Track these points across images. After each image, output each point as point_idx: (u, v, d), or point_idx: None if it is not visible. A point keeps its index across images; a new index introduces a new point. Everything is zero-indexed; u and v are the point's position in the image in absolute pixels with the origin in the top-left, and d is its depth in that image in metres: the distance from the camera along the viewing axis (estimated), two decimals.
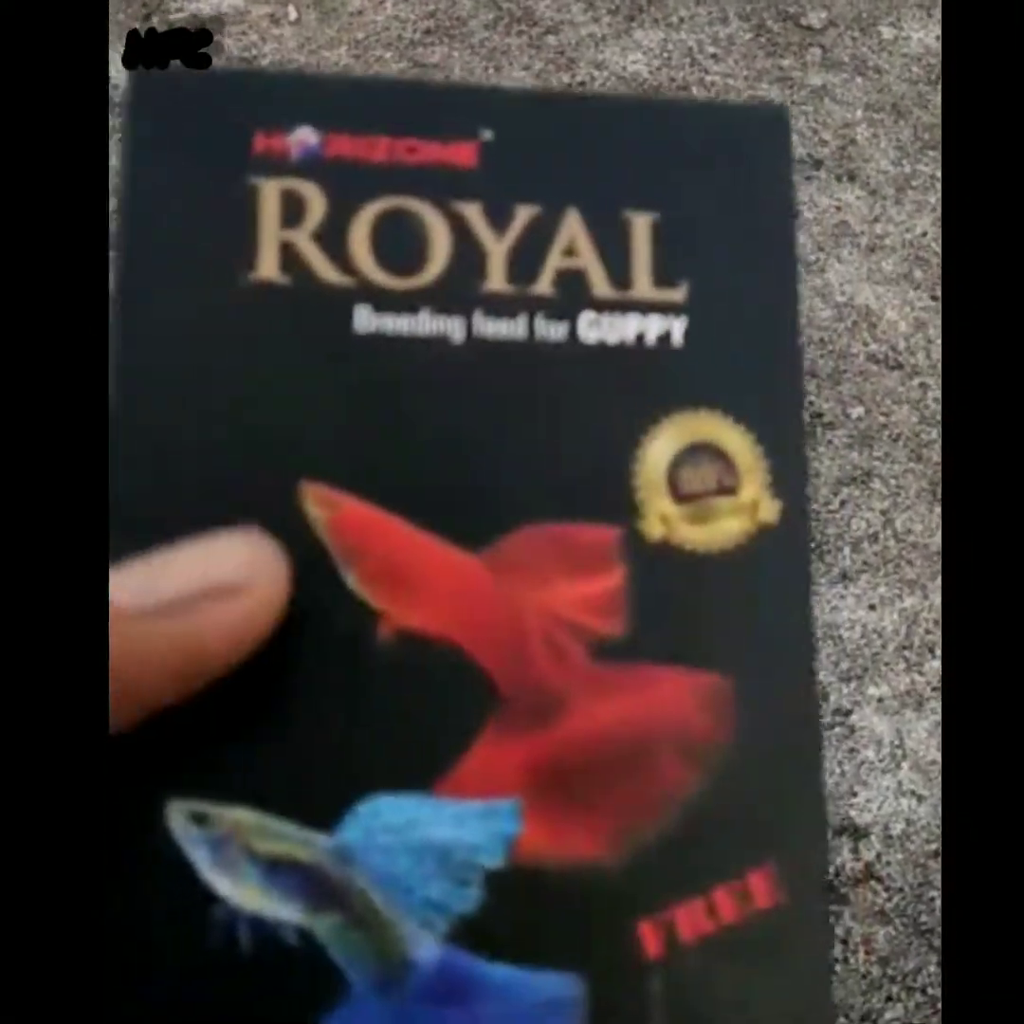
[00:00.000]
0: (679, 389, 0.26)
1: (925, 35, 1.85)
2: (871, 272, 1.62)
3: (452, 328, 0.26)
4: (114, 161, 0.25)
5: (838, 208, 1.71)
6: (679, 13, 1.90)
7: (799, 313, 0.27)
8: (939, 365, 1.49)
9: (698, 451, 0.26)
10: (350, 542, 0.25)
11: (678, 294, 0.26)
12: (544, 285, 0.26)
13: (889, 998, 1.17)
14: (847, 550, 1.39)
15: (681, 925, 0.25)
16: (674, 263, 0.27)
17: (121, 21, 1.89)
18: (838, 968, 1.15)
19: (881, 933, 1.20)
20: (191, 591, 0.24)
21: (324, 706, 0.24)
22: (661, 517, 0.26)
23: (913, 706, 1.31)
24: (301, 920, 0.24)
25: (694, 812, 0.25)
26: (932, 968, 1.18)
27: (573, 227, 0.26)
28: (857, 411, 1.50)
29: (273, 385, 0.25)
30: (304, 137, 0.26)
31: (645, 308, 0.26)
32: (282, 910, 0.24)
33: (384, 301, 0.26)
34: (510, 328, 0.26)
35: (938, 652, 1.33)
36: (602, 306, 0.26)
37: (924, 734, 1.29)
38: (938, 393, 1.50)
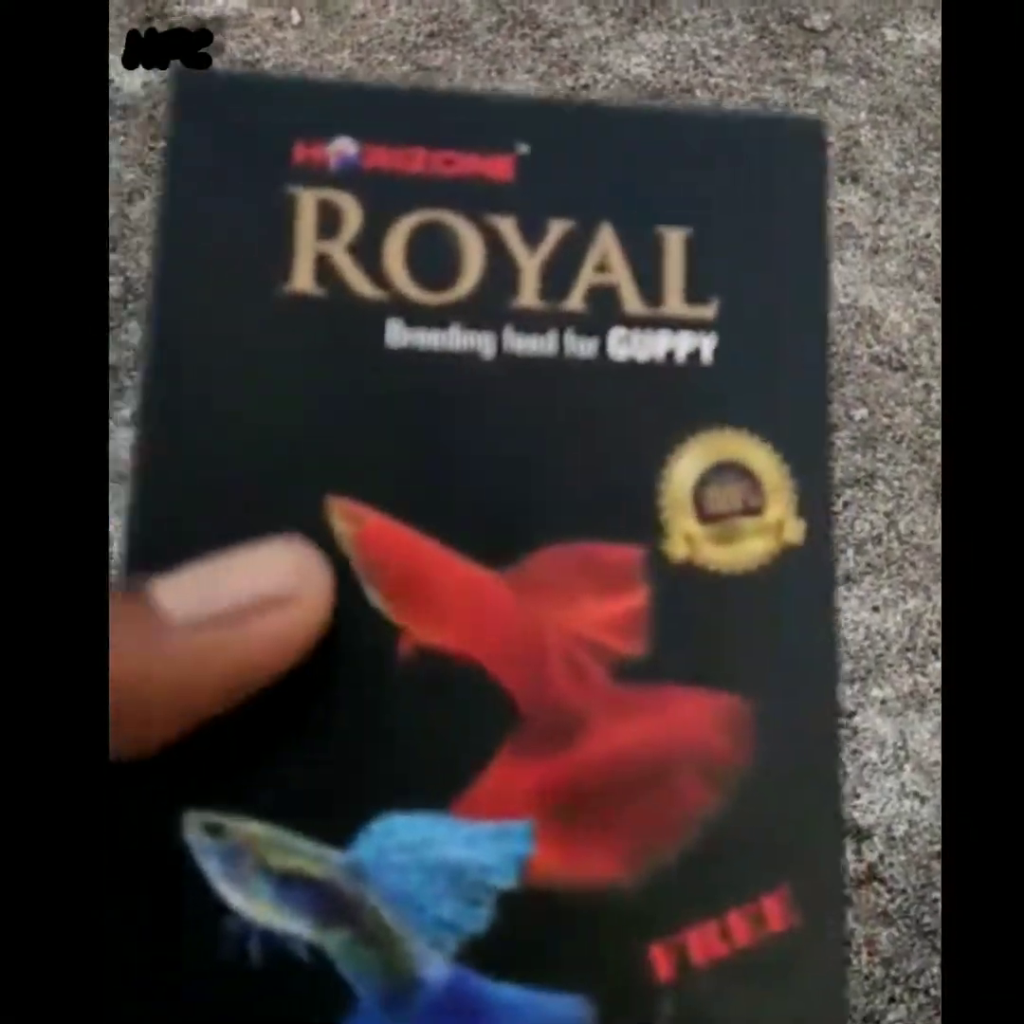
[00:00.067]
0: (707, 407, 0.26)
1: (929, 37, 1.85)
2: (874, 274, 1.62)
3: (482, 343, 0.26)
4: (147, 161, 0.25)
5: (842, 210, 1.71)
6: (682, 16, 1.90)
7: (829, 333, 0.26)
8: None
9: (724, 470, 0.26)
10: (373, 557, 0.25)
11: (709, 311, 0.26)
12: (575, 301, 0.26)
13: (892, 999, 1.17)
14: (850, 552, 1.39)
15: (693, 948, 0.24)
16: (706, 279, 0.26)
17: (124, 24, 1.89)
18: None
19: (884, 934, 1.19)
20: (242, 602, 0.24)
21: (342, 721, 0.24)
22: (686, 537, 0.26)
23: (916, 708, 1.31)
24: (312, 935, 0.24)
25: (710, 835, 0.25)
26: (935, 969, 1.18)
27: (606, 242, 0.26)
28: (860, 413, 1.49)
29: (304, 397, 0.25)
30: (343, 147, 0.26)
31: (676, 325, 0.26)
32: (293, 924, 0.24)
33: (416, 316, 0.26)
34: (540, 344, 0.26)
35: (939, 652, 1.33)
36: (633, 323, 0.26)
37: (927, 735, 1.29)
38: (938, 392, 1.50)
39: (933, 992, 1.17)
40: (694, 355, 0.26)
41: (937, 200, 1.69)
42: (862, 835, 1.24)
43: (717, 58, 1.87)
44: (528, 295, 0.26)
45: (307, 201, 0.26)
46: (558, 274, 0.26)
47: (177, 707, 0.23)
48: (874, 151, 1.76)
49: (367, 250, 0.26)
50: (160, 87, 1.88)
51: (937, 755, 1.28)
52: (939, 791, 1.25)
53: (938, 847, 1.24)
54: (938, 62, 1.82)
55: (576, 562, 0.25)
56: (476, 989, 0.24)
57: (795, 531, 0.26)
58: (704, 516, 0.26)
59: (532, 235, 0.26)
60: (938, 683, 1.31)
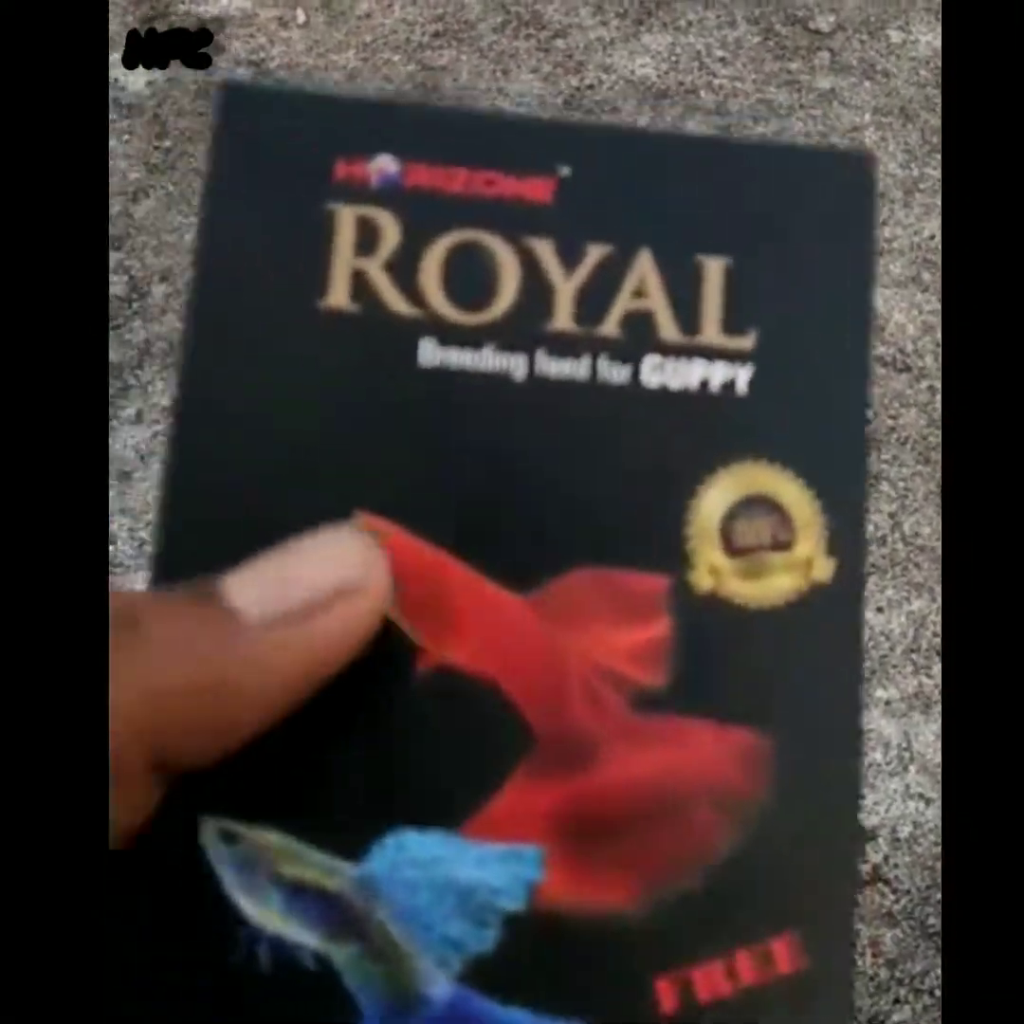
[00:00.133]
0: (739, 439, 0.26)
1: (933, 38, 1.85)
2: (879, 275, 1.61)
3: (514, 365, 0.26)
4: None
5: None
6: (687, 17, 1.90)
7: (870, 370, 0.26)
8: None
9: (754, 504, 0.26)
10: (396, 573, 0.25)
11: (747, 342, 0.26)
12: (610, 326, 0.26)
13: (896, 1000, 1.17)
14: None
15: (698, 985, 0.24)
16: (745, 310, 0.26)
17: (128, 23, 1.90)
18: None
19: (888, 936, 1.19)
20: (314, 595, 0.23)
21: (359, 736, 0.24)
22: (711, 569, 0.25)
23: (920, 709, 1.31)
24: (320, 945, 0.24)
25: (722, 872, 0.25)
26: (939, 970, 1.18)
27: (644, 268, 0.26)
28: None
29: (335, 411, 0.25)
30: (384, 165, 0.26)
31: (712, 354, 0.26)
32: (302, 934, 0.24)
33: (449, 335, 0.26)
34: (573, 368, 0.26)
35: (942, 655, 1.33)
36: (667, 350, 0.26)
37: (931, 737, 1.29)
38: (939, 393, 1.50)
39: (937, 993, 1.17)
40: (729, 385, 0.26)
41: (941, 202, 1.69)
42: (866, 836, 1.23)
43: (722, 59, 1.87)
44: (563, 319, 0.26)
45: (346, 217, 0.26)
46: (594, 298, 0.26)
47: (253, 710, 0.23)
48: (878, 153, 1.75)
49: (403, 268, 0.26)
50: (164, 86, 1.88)
51: (940, 757, 1.28)
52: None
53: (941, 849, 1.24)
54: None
55: (600, 589, 0.25)
56: (479, 1010, 0.24)
57: (824, 569, 0.25)
58: (731, 549, 0.25)
59: (569, 258, 0.26)
60: (939, 684, 1.31)
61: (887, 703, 1.31)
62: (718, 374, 0.26)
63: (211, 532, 0.25)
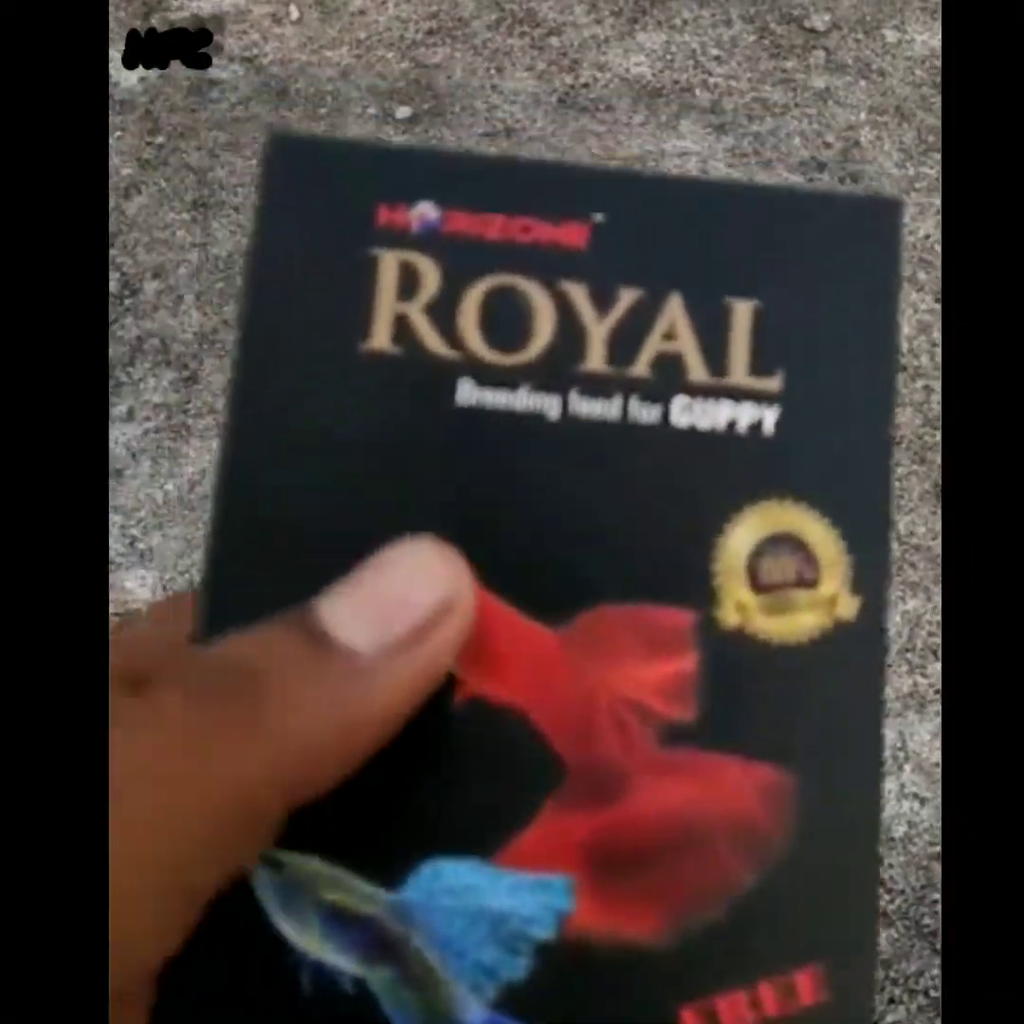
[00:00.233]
0: (766, 478, 0.26)
1: (929, 38, 1.85)
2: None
3: (549, 405, 0.26)
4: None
5: None
6: (682, 15, 1.90)
7: (895, 411, 0.27)
8: (940, 361, 1.49)
9: (780, 542, 0.26)
10: None
11: (774, 383, 0.27)
12: (641, 367, 0.26)
13: (891, 1001, 1.17)
14: None
15: (723, 1014, 0.25)
16: (772, 352, 0.27)
17: (122, 19, 1.89)
18: None
19: (884, 936, 1.19)
20: (420, 617, 0.24)
21: (397, 766, 0.25)
22: (738, 605, 0.26)
23: (916, 708, 1.31)
24: (358, 970, 0.25)
25: (746, 904, 0.25)
26: (935, 971, 1.18)
27: (674, 311, 0.27)
28: None
29: (376, 450, 0.26)
30: (425, 211, 0.27)
31: (739, 395, 0.26)
32: (341, 959, 0.25)
33: (486, 375, 0.26)
34: (605, 408, 0.26)
35: (940, 654, 1.33)
36: (696, 391, 0.26)
37: (927, 736, 1.29)
38: (939, 392, 1.50)
39: (933, 993, 1.17)
40: (756, 426, 0.26)
41: (937, 201, 1.69)
42: None
43: (717, 58, 1.87)
44: (595, 360, 0.26)
45: (389, 263, 0.27)
46: (625, 341, 0.27)
47: (371, 741, 0.23)
48: (874, 152, 1.76)
49: (443, 311, 0.26)
50: (157, 82, 1.88)
51: (937, 756, 1.28)
52: (939, 792, 1.25)
53: (938, 848, 1.24)
54: (938, 63, 1.82)
55: (628, 624, 0.26)
56: None
57: (848, 607, 0.26)
58: (758, 586, 0.26)
59: (602, 302, 0.27)
60: (938, 684, 1.31)
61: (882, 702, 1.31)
62: (745, 415, 0.26)
63: (259, 563, 0.26)
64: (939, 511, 1.41)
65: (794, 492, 0.26)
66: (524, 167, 0.28)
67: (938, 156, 1.74)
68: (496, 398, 0.26)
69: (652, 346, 0.26)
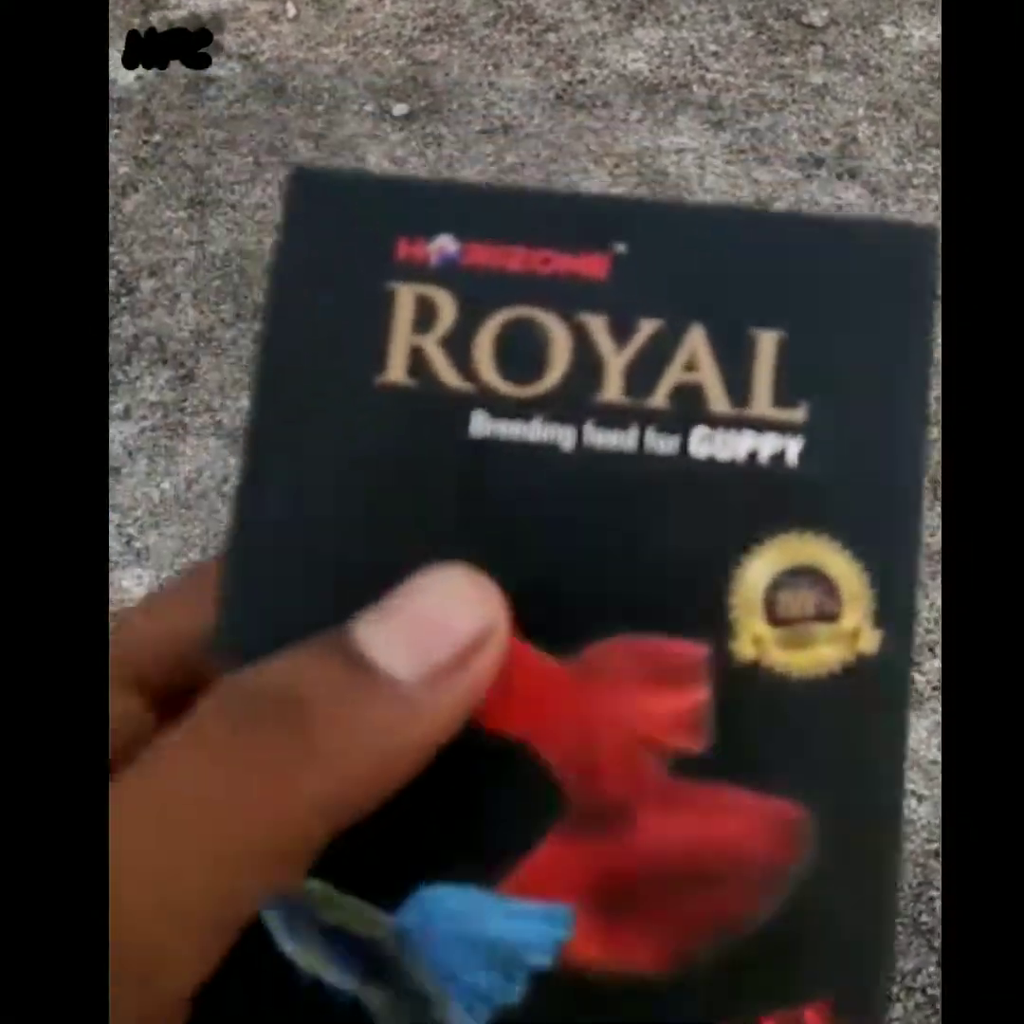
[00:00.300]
0: (787, 510, 0.26)
1: (927, 33, 1.85)
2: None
3: (563, 436, 0.26)
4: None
5: (839, 207, 1.71)
6: (680, 11, 1.90)
7: (928, 444, 0.26)
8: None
9: (799, 575, 0.26)
10: None
11: (798, 414, 0.26)
12: (659, 398, 0.26)
13: (888, 998, 1.17)
14: None
15: None
16: (797, 383, 0.26)
17: (119, 17, 1.89)
18: None
19: None
20: (461, 644, 0.24)
21: (402, 792, 0.25)
22: (754, 639, 0.25)
23: (913, 705, 1.31)
24: (356, 989, 0.25)
25: (754, 938, 0.25)
26: (932, 968, 1.18)
27: (696, 343, 0.26)
28: None
29: (390, 481, 0.26)
30: (444, 245, 0.27)
31: (762, 426, 0.26)
32: (339, 977, 0.25)
33: (500, 407, 0.26)
34: (620, 439, 0.26)
35: (938, 651, 1.33)
36: (716, 422, 0.26)
37: (924, 733, 1.29)
38: (938, 392, 1.50)
39: (930, 991, 1.17)
40: (778, 457, 0.26)
41: (935, 197, 1.69)
42: None
43: (714, 54, 1.87)
44: (612, 391, 0.26)
45: (406, 296, 0.27)
46: (644, 371, 0.26)
47: (412, 767, 0.23)
48: (872, 148, 1.76)
49: (458, 343, 0.26)
50: (154, 81, 1.88)
51: (934, 753, 1.28)
52: (936, 789, 1.25)
53: (935, 845, 1.24)
54: (936, 59, 1.82)
55: (639, 656, 0.25)
56: None
57: (870, 641, 0.25)
58: (775, 619, 0.25)
59: (621, 333, 0.26)
60: (935, 681, 1.32)
61: None
62: (767, 446, 0.26)
63: (274, 592, 0.26)
64: (936, 508, 1.41)
65: (816, 524, 0.26)
66: (545, 198, 0.28)
67: (936, 152, 1.74)
68: (510, 429, 0.26)
69: (672, 377, 0.26)
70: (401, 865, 0.25)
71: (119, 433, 1.55)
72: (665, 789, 0.25)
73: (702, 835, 0.25)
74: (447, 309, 0.26)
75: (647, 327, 0.26)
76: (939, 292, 0.26)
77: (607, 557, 0.26)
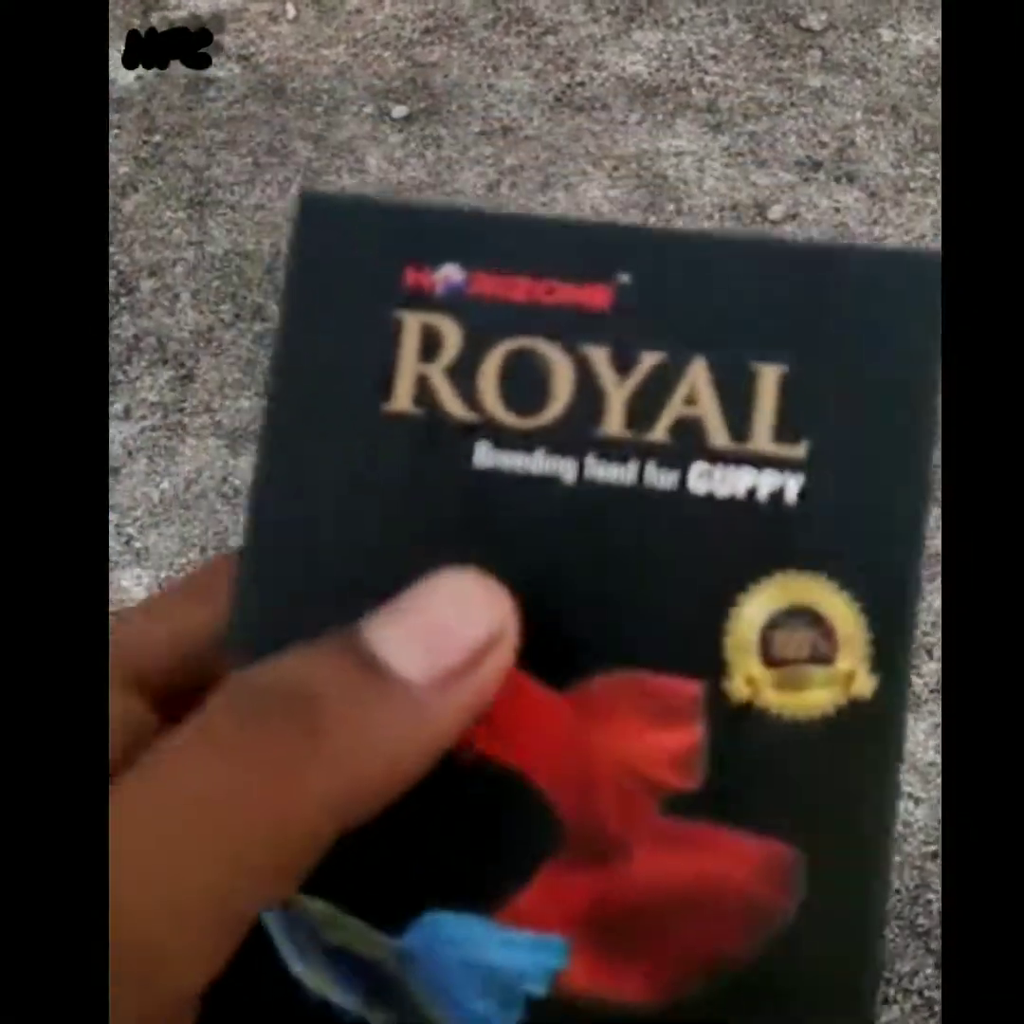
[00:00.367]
0: (784, 549, 0.25)
1: (925, 37, 1.85)
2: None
3: (564, 469, 0.26)
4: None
5: (837, 210, 1.71)
6: (679, 14, 1.91)
7: (933, 484, 0.26)
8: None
9: (795, 616, 0.25)
10: None
11: (799, 450, 0.26)
12: (659, 432, 0.26)
13: (886, 1001, 1.17)
14: None
15: None
16: (799, 418, 0.26)
17: (119, 17, 1.89)
18: None
19: None
20: (472, 648, 0.24)
21: (403, 820, 0.25)
22: (748, 679, 0.25)
23: (910, 708, 1.31)
24: (358, 1009, 0.25)
25: (741, 976, 0.25)
26: (929, 970, 1.18)
27: (697, 375, 0.26)
28: None
29: (394, 510, 0.26)
30: (450, 274, 0.27)
31: (761, 462, 0.26)
32: (344, 998, 0.25)
33: (504, 439, 0.26)
34: (620, 473, 0.26)
35: (936, 653, 1.33)
36: (716, 457, 0.26)
37: (922, 736, 1.29)
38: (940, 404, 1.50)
39: (927, 993, 1.18)
40: (777, 494, 0.26)
41: (933, 201, 1.69)
42: None
43: (713, 57, 1.87)
44: (614, 424, 0.26)
45: (412, 325, 0.27)
46: (645, 405, 0.26)
47: (417, 768, 0.23)
48: (870, 152, 1.76)
49: (463, 373, 0.26)
50: (154, 81, 1.88)
51: (931, 756, 1.28)
52: (934, 791, 1.26)
53: (933, 848, 1.24)
54: (934, 63, 1.83)
55: (634, 692, 0.25)
56: None
57: (865, 685, 0.25)
58: (769, 660, 0.25)
59: (623, 365, 0.26)
60: (933, 683, 1.32)
61: None
62: (767, 483, 0.26)
63: (283, 614, 0.26)
64: (935, 511, 1.41)
65: (814, 564, 0.25)
66: (550, 227, 0.28)
67: (933, 156, 1.74)
68: (512, 461, 0.26)
69: (672, 411, 0.26)
70: (404, 892, 0.25)
71: (119, 433, 1.55)
72: (657, 826, 0.25)
73: (694, 872, 0.25)
74: (453, 338, 0.26)
75: (649, 359, 0.26)
76: (940, 316, 0.26)
77: (605, 591, 0.26)
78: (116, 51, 1.74)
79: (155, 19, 1.90)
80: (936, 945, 1.19)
